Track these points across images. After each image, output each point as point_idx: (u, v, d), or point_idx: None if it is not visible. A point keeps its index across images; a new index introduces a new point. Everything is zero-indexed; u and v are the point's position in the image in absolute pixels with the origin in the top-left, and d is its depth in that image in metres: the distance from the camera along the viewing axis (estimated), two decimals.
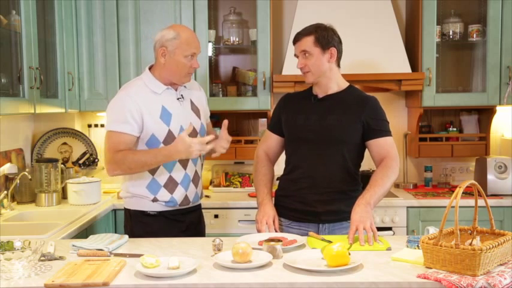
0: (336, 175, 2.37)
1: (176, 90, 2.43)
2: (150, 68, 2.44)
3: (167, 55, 2.34)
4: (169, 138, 2.34)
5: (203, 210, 2.68)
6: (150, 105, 2.34)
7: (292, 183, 2.43)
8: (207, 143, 2.25)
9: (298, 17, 3.53)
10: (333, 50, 2.34)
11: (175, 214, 2.44)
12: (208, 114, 2.68)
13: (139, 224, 2.42)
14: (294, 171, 2.43)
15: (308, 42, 2.33)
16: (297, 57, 2.40)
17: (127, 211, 2.48)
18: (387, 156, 2.32)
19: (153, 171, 2.36)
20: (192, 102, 2.49)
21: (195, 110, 2.49)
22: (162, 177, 2.37)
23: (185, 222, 2.48)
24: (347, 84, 2.44)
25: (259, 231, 2.33)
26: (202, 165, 2.58)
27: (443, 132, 3.82)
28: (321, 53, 2.33)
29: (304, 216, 2.40)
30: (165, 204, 2.40)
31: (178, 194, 2.40)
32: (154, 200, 2.39)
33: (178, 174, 2.39)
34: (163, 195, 2.39)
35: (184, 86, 2.46)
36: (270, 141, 2.54)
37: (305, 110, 2.41)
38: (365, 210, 2.16)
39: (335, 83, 2.40)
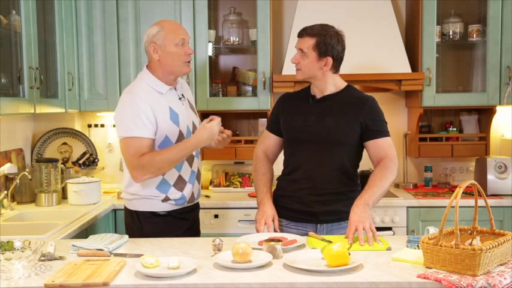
0: (334, 176, 2.37)
1: (176, 90, 2.44)
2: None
3: (158, 50, 2.35)
4: (180, 138, 2.36)
5: (203, 210, 2.70)
6: (159, 107, 2.33)
7: (290, 184, 2.43)
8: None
9: (298, 17, 3.53)
10: (329, 60, 2.32)
11: (182, 212, 2.46)
12: None
13: (149, 224, 2.41)
14: (293, 172, 2.43)
15: (308, 43, 2.32)
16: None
17: (133, 212, 2.44)
18: (385, 156, 2.31)
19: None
20: (189, 102, 2.54)
21: (193, 108, 2.55)
22: (171, 176, 2.38)
23: (190, 219, 2.52)
24: (345, 84, 2.43)
25: (257, 231, 2.33)
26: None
27: (443, 132, 3.82)
28: (317, 59, 2.32)
29: (302, 216, 2.40)
30: (175, 203, 2.41)
31: (187, 191, 2.43)
32: (165, 199, 2.39)
33: (186, 172, 2.42)
34: (174, 193, 2.39)
35: (181, 86, 2.49)
36: (268, 141, 2.55)
37: (303, 111, 2.41)
38: (363, 210, 2.16)
39: (331, 85, 2.39)
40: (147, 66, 2.44)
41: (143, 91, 2.34)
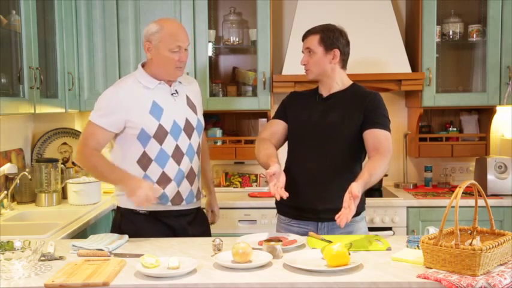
0: (337, 173, 2.36)
1: (170, 85, 2.41)
2: (143, 65, 2.42)
3: (152, 50, 2.33)
4: (161, 132, 2.32)
5: (204, 211, 2.66)
6: (139, 101, 2.32)
7: (292, 181, 2.42)
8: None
9: (298, 17, 3.53)
10: (336, 52, 2.35)
11: (167, 216, 2.39)
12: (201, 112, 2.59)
13: (128, 222, 2.38)
14: (295, 169, 2.43)
15: (313, 40, 2.36)
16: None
17: (118, 209, 2.47)
18: (381, 147, 2.27)
19: (144, 167, 2.34)
20: (188, 98, 2.46)
21: (191, 105, 2.46)
22: (154, 173, 2.34)
23: (176, 228, 2.40)
24: (350, 82, 2.45)
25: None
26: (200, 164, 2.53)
27: (443, 132, 3.82)
28: (324, 53, 2.35)
29: (303, 213, 2.39)
30: (156, 202, 2.33)
31: (170, 190, 2.36)
32: None
33: (171, 169, 2.35)
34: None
35: (180, 82, 2.45)
36: (275, 127, 2.48)
37: (309, 108, 2.43)
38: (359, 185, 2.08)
39: (339, 82, 2.41)
40: (144, 62, 2.42)
41: (126, 85, 2.36)
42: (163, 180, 2.35)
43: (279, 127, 2.49)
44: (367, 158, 2.40)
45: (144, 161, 2.34)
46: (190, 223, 2.47)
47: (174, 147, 2.36)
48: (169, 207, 2.38)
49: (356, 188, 2.01)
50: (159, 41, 2.30)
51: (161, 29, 2.31)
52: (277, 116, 2.53)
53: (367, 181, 2.13)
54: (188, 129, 2.41)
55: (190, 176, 2.43)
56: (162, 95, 2.37)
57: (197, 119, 2.47)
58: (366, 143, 2.35)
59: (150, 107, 2.32)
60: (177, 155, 2.36)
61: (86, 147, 2.33)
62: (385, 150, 2.27)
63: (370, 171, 2.16)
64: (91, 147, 2.32)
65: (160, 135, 2.32)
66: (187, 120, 2.41)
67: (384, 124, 2.34)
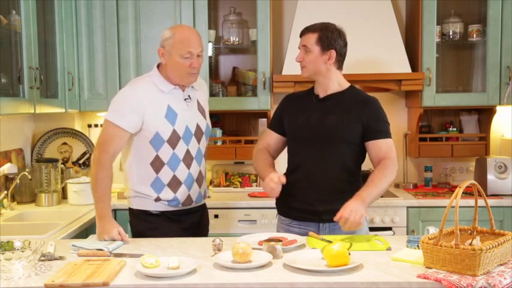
0: (337, 174, 2.37)
1: (183, 90, 2.43)
2: (158, 66, 2.44)
3: (166, 55, 2.36)
4: (174, 137, 2.35)
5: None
6: (155, 104, 2.34)
7: (293, 183, 2.43)
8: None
9: (298, 17, 3.53)
10: (333, 53, 2.34)
11: (178, 214, 2.44)
12: None
13: (141, 222, 2.44)
14: (295, 171, 2.43)
15: (311, 39, 2.35)
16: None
17: (131, 210, 2.50)
18: (386, 157, 2.32)
19: (157, 170, 2.37)
20: (198, 103, 2.51)
21: (201, 110, 2.51)
22: (166, 176, 2.38)
23: (187, 222, 2.48)
24: (348, 84, 2.45)
25: (274, 192, 2.28)
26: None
27: (443, 132, 3.82)
28: (320, 53, 2.34)
29: (304, 215, 2.40)
30: (168, 204, 2.41)
31: (181, 193, 2.41)
32: (157, 199, 2.39)
33: (182, 173, 2.40)
34: (167, 194, 2.39)
35: (192, 87, 2.47)
36: (269, 138, 2.54)
37: (306, 110, 2.42)
38: (359, 204, 2.14)
39: (335, 83, 2.40)
40: (159, 63, 2.44)
41: (141, 86, 2.37)
42: (174, 183, 2.40)
43: (272, 139, 2.53)
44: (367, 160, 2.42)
45: (157, 164, 2.37)
46: (199, 220, 2.56)
47: (185, 151, 2.40)
48: (180, 207, 2.45)
49: (349, 206, 2.13)
50: (171, 46, 2.33)
51: (173, 35, 2.33)
52: (271, 125, 2.56)
53: (370, 196, 2.21)
54: (198, 134, 2.45)
55: (199, 179, 2.49)
56: (176, 99, 2.40)
57: (206, 124, 2.52)
58: (369, 154, 2.39)
59: (166, 111, 2.35)
60: (187, 159, 2.41)
61: (105, 154, 2.31)
62: (390, 160, 2.31)
63: (372, 184, 2.25)
64: (109, 154, 2.31)
65: (174, 140, 2.36)
66: (197, 126, 2.45)
67: (386, 131, 2.36)
